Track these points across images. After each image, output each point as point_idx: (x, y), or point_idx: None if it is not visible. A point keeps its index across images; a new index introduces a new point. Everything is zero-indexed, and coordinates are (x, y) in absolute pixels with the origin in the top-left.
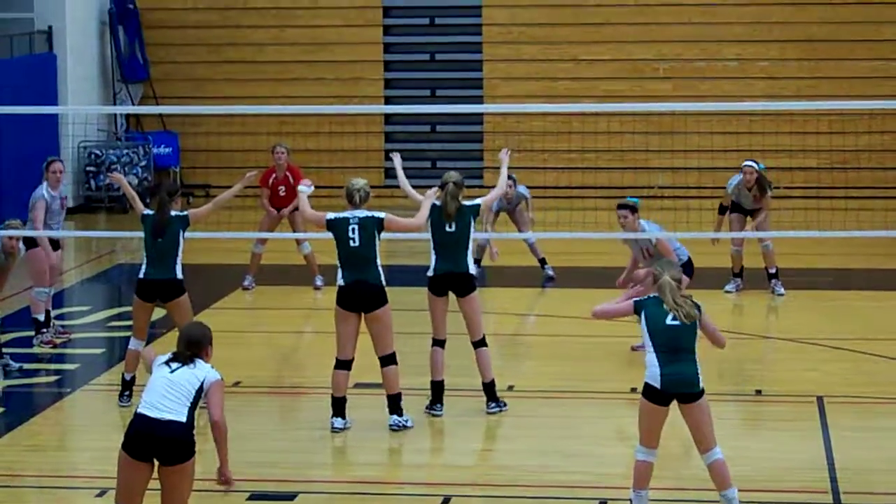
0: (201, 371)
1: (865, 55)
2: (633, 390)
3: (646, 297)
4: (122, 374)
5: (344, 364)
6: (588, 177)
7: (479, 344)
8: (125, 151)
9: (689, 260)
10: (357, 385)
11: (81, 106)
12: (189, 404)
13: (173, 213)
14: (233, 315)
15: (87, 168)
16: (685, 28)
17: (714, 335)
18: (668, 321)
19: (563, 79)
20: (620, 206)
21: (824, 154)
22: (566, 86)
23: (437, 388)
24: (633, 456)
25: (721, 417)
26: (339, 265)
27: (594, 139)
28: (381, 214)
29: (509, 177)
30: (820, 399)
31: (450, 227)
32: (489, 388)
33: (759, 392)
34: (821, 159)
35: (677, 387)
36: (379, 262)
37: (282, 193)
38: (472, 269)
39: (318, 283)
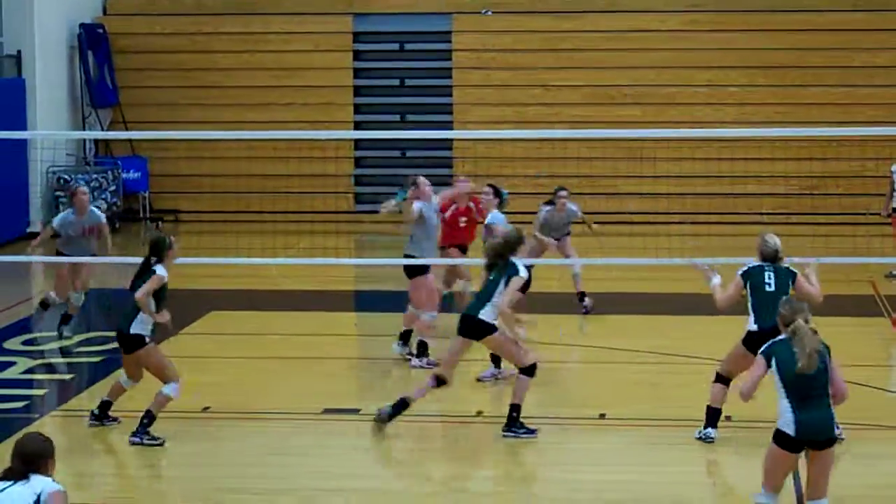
0: (38, 485)
1: (836, 81)
2: (602, 416)
3: (773, 341)
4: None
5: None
6: None
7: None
8: (94, 176)
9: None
10: (326, 411)
11: (50, 131)
12: None
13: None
14: (203, 340)
15: (57, 193)
16: (656, 54)
17: (837, 387)
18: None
19: (533, 104)
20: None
21: (793, 179)
22: (536, 111)
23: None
24: (754, 500)
25: (691, 444)
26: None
27: (564, 164)
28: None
29: (562, 188)
30: None
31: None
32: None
33: (728, 418)
34: (789, 185)
35: (814, 434)
36: None
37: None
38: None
39: None
